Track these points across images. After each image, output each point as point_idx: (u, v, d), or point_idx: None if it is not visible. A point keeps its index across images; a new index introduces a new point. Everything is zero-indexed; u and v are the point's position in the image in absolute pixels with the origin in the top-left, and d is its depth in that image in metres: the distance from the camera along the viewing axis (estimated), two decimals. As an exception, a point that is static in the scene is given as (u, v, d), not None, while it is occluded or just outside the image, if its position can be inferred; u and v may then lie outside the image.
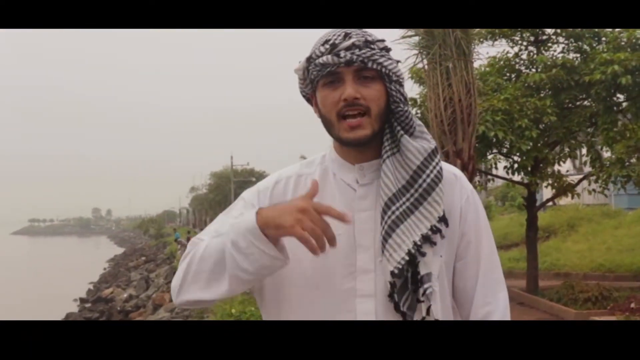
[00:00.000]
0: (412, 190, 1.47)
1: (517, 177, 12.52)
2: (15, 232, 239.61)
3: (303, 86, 1.55)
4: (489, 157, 12.11)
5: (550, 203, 15.53)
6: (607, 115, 10.93)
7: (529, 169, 11.67)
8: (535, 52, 11.97)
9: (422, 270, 1.43)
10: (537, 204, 12.93)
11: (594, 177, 11.63)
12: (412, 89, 11.92)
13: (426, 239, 1.44)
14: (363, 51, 1.43)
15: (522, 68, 12.11)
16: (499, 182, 24.82)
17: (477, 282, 1.53)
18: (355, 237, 1.48)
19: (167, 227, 75.35)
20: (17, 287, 36.13)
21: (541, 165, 11.86)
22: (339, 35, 1.45)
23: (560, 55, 11.77)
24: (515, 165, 11.81)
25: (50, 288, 34.58)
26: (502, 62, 12.11)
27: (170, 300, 22.90)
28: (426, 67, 7.76)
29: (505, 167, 12.20)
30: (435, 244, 1.45)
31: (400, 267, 1.42)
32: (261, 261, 1.35)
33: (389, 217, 1.45)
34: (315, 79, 1.48)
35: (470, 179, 7.40)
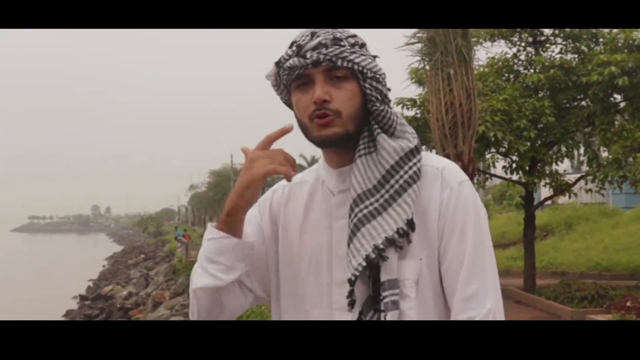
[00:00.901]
0: (382, 191, 1.37)
1: (515, 177, 12.64)
2: (15, 229, 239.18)
3: (277, 92, 1.47)
4: (487, 156, 12.24)
5: (549, 202, 15.66)
6: (605, 116, 11.05)
7: (527, 168, 11.80)
8: (533, 53, 12.08)
9: (384, 277, 1.32)
10: (535, 202, 13.05)
11: (591, 177, 11.75)
12: (414, 92, 12.08)
13: (391, 242, 1.33)
14: (330, 49, 1.34)
15: (521, 69, 12.22)
16: (498, 181, 24.92)
17: (457, 287, 1.34)
18: (332, 247, 1.41)
19: (166, 225, 75.27)
20: (17, 284, 36.18)
21: (539, 165, 11.98)
22: (306, 36, 1.38)
23: (558, 56, 11.90)
24: (514, 165, 11.93)
25: (50, 285, 34.66)
26: (500, 63, 12.22)
27: (170, 298, 23.06)
28: (428, 73, 7.93)
29: (503, 166, 12.32)
30: (401, 248, 1.33)
31: (358, 273, 1.33)
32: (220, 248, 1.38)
33: (352, 220, 1.36)
34: (287, 83, 1.41)
35: (470, 180, 7.53)
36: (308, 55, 1.34)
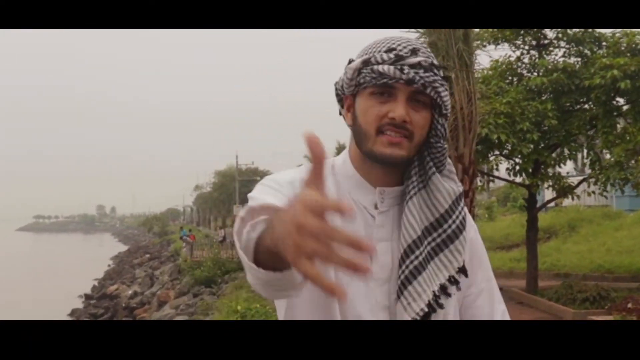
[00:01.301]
0: (434, 234, 1.39)
1: (518, 179, 12.72)
2: (20, 228, 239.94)
3: (347, 86, 1.39)
4: (491, 158, 12.33)
5: (552, 204, 15.71)
6: (607, 119, 11.12)
7: (530, 170, 11.88)
8: (537, 56, 12.14)
9: (433, 319, 1.37)
10: (538, 205, 13.13)
11: (593, 179, 11.83)
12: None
13: (443, 289, 1.38)
14: (427, 74, 1.32)
15: (524, 72, 12.29)
16: (501, 183, 24.96)
17: (492, 312, 1.48)
18: (373, 269, 1.38)
19: (171, 225, 75.54)
20: (22, 283, 36.38)
21: (542, 167, 12.06)
22: (405, 48, 1.34)
23: (562, 59, 11.97)
24: (517, 167, 12.02)
25: (55, 284, 34.82)
26: (504, 66, 12.29)
27: (175, 297, 23.17)
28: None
29: (507, 169, 12.40)
30: (450, 295, 1.39)
31: (419, 318, 1.35)
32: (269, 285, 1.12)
33: (411, 262, 1.36)
34: (365, 84, 1.35)
35: (471, 182, 7.63)
36: (406, 70, 1.30)
